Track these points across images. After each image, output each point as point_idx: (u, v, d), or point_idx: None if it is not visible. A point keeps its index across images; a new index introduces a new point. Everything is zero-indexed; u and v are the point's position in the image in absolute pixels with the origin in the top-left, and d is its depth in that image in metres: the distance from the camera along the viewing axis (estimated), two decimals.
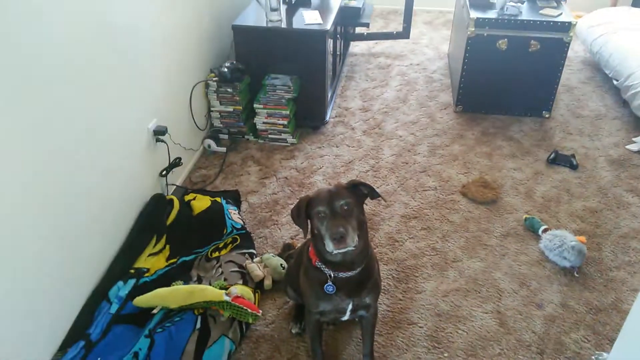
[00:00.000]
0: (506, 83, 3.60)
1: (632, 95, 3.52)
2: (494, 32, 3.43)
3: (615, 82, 3.84)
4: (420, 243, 2.62)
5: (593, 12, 4.46)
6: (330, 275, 1.71)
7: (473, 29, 3.43)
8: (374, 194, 1.72)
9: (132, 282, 2.21)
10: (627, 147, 3.35)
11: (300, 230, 1.70)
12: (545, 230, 2.59)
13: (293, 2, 3.56)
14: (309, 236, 1.72)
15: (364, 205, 1.72)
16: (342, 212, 1.59)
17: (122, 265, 2.30)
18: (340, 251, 1.59)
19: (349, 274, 1.70)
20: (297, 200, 1.72)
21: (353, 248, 1.60)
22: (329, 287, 1.72)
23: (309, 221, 1.67)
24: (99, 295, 2.17)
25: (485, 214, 2.81)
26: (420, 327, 2.21)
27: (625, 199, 2.91)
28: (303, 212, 1.66)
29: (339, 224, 1.55)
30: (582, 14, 4.69)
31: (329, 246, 1.58)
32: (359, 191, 1.70)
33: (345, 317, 1.86)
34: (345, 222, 1.57)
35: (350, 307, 1.79)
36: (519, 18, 3.41)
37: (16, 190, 1.73)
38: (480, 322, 2.23)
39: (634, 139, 3.41)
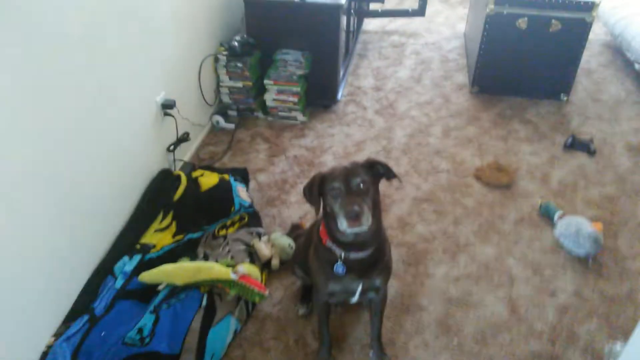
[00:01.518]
0: (524, 64, 3.50)
1: None
2: (514, 11, 3.31)
3: (637, 66, 3.72)
4: (432, 227, 2.56)
5: None
6: (340, 256, 1.66)
7: (492, 7, 3.31)
8: (390, 175, 1.67)
9: (137, 257, 2.17)
10: None
11: (310, 209, 1.65)
12: (560, 217, 2.52)
13: None
14: (320, 215, 1.67)
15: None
16: (358, 190, 1.53)
17: (128, 240, 2.26)
18: (354, 230, 1.54)
19: (360, 254, 1.65)
20: (311, 177, 1.66)
21: (366, 229, 1.54)
22: (339, 268, 1.68)
23: (321, 199, 1.62)
24: (104, 270, 2.14)
25: (499, 198, 2.74)
26: (429, 312, 2.16)
27: None
28: (316, 188, 1.60)
29: (354, 202, 1.50)
30: None
31: (343, 224, 1.52)
32: (375, 170, 1.64)
33: (355, 299, 1.81)
34: (360, 200, 1.51)
35: (359, 288, 1.75)
36: None
37: (21, 163, 1.68)
38: (491, 309, 2.18)
39: None
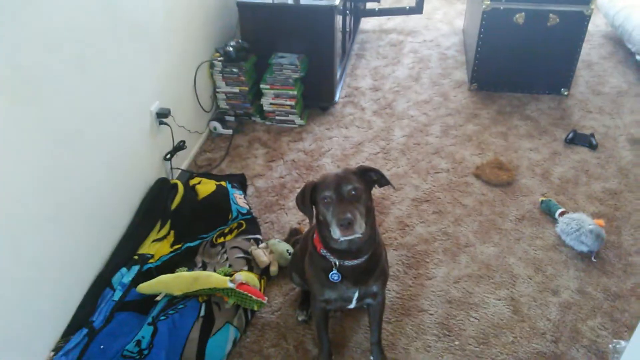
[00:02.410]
0: (523, 59, 3.46)
1: None
2: (511, 6, 3.28)
3: (638, 58, 3.68)
4: (432, 227, 2.54)
5: None
6: (335, 264, 1.65)
7: (488, 3, 3.29)
8: (383, 181, 1.65)
9: (135, 268, 2.17)
10: None
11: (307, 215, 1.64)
12: (562, 214, 2.49)
13: None
14: (314, 223, 1.65)
15: (373, 189, 1.65)
16: (350, 197, 1.52)
17: (126, 251, 2.26)
18: (346, 238, 1.52)
19: (355, 262, 1.64)
20: (302, 186, 1.64)
21: (360, 235, 1.53)
22: (334, 276, 1.66)
23: (314, 207, 1.60)
24: (103, 281, 2.14)
25: (500, 196, 2.71)
26: (430, 314, 2.14)
27: None
28: (308, 197, 1.59)
29: (346, 210, 1.48)
30: None
31: (336, 233, 1.50)
32: (368, 177, 1.63)
33: (352, 306, 1.80)
34: (352, 208, 1.50)
35: (356, 295, 1.74)
36: None
37: (16, 175, 1.68)
38: (493, 309, 2.16)
39: None
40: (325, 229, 1.59)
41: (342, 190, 1.52)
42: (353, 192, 1.52)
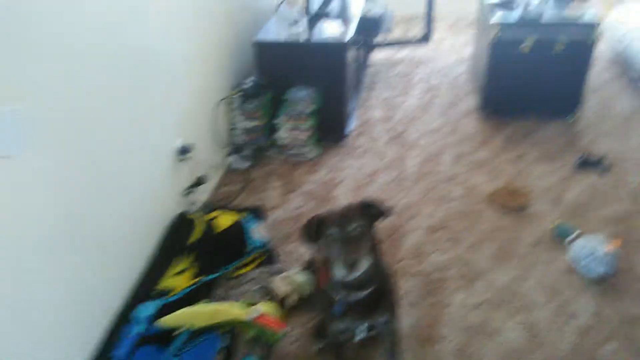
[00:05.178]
0: (531, 86, 3.53)
1: None
2: (517, 35, 3.37)
3: None
4: (447, 255, 2.58)
5: (619, 9, 4.35)
6: (337, 298, 1.68)
7: (496, 32, 3.37)
8: (386, 213, 1.68)
9: (156, 302, 2.22)
10: None
11: None
12: (574, 239, 2.51)
13: (314, 15, 3.57)
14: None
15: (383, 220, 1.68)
16: (354, 234, 1.56)
17: (147, 285, 2.31)
18: (348, 278, 1.56)
19: (360, 295, 1.66)
20: (307, 220, 1.68)
21: (360, 273, 1.56)
22: (338, 308, 1.69)
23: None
24: (124, 317, 2.18)
25: (514, 222, 2.75)
26: (449, 341, 2.16)
27: None
28: (313, 232, 1.63)
29: (350, 251, 1.53)
30: (608, 11, 4.57)
31: (338, 273, 1.55)
32: (372, 210, 1.66)
33: (360, 337, 1.82)
34: (356, 247, 1.54)
35: (364, 327, 1.77)
36: (543, 20, 3.34)
37: (37, 211, 1.72)
38: (512, 334, 2.18)
39: None
40: (329, 264, 1.62)
41: (345, 229, 1.55)
42: (357, 231, 1.56)
